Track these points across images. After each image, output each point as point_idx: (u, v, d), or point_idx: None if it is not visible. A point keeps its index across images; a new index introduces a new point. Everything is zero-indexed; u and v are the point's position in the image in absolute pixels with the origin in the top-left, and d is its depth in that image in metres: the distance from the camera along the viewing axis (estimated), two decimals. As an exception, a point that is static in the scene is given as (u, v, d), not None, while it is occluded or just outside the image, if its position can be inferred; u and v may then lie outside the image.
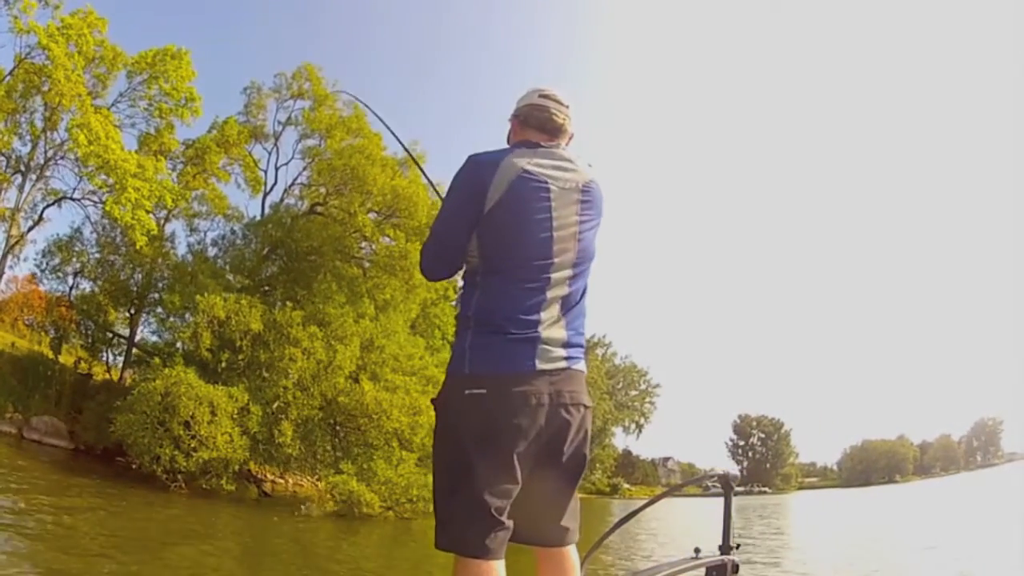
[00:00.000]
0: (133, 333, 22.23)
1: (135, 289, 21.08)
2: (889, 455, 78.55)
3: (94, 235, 21.29)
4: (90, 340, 22.21)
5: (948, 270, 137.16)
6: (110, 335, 22.10)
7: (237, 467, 14.76)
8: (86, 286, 22.01)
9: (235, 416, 14.68)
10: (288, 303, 16.38)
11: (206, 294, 15.34)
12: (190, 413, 13.83)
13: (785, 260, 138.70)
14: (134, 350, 21.73)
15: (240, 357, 15.49)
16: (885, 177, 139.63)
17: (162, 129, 22.02)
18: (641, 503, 2.44)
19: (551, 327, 1.62)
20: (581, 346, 1.70)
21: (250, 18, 59.55)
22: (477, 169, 1.67)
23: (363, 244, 17.93)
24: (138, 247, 18.23)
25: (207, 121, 22.82)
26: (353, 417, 15.77)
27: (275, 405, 15.40)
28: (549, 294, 1.64)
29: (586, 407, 1.66)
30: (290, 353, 15.38)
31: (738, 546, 2.18)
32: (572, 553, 1.73)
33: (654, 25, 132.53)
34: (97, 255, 21.50)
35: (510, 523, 1.56)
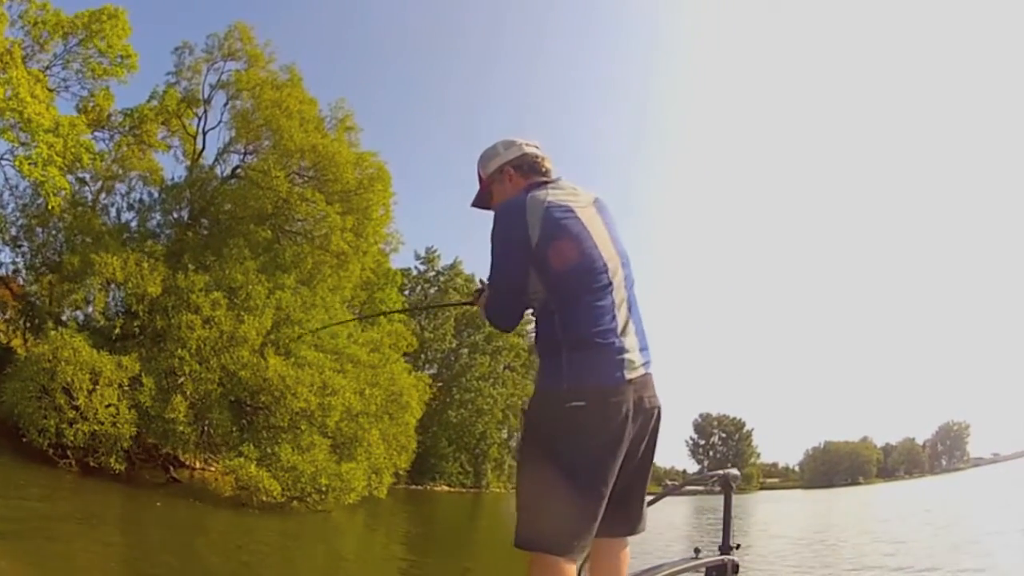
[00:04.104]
0: (55, 303, 21.00)
1: (56, 258, 19.99)
2: (852, 457, 78.00)
3: (12, 199, 20.19)
4: (8, 310, 21.07)
5: (916, 271, 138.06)
6: (27, 303, 20.88)
7: (127, 444, 13.47)
8: (4, 253, 20.92)
9: (125, 387, 13.44)
10: (191, 267, 15.12)
11: (102, 254, 14.09)
12: (68, 379, 12.61)
13: (749, 258, 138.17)
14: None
15: (135, 324, 14.27)
16: (851, 177, 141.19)
17: (96, 93, 21.05)
18: None
19: (627, 337, 1.78)
20: (649, 348, 1.86)
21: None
22: (510, 216, 1.84)
23: (282, 207, 16.70)
24: (50, 207, 17.10)
25: (146, 90, 21.81)
26: (255, 394, 14.50)
27: (179, 379, 14.07)
28: (616, 303, 1.79)
29: (660, 407, 1.85)
30: (188, 320, 14.12)
31: (738, 546, 2.22)
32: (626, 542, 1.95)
33: (652, 25, 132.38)
34: (20, 221, 20.52)
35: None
